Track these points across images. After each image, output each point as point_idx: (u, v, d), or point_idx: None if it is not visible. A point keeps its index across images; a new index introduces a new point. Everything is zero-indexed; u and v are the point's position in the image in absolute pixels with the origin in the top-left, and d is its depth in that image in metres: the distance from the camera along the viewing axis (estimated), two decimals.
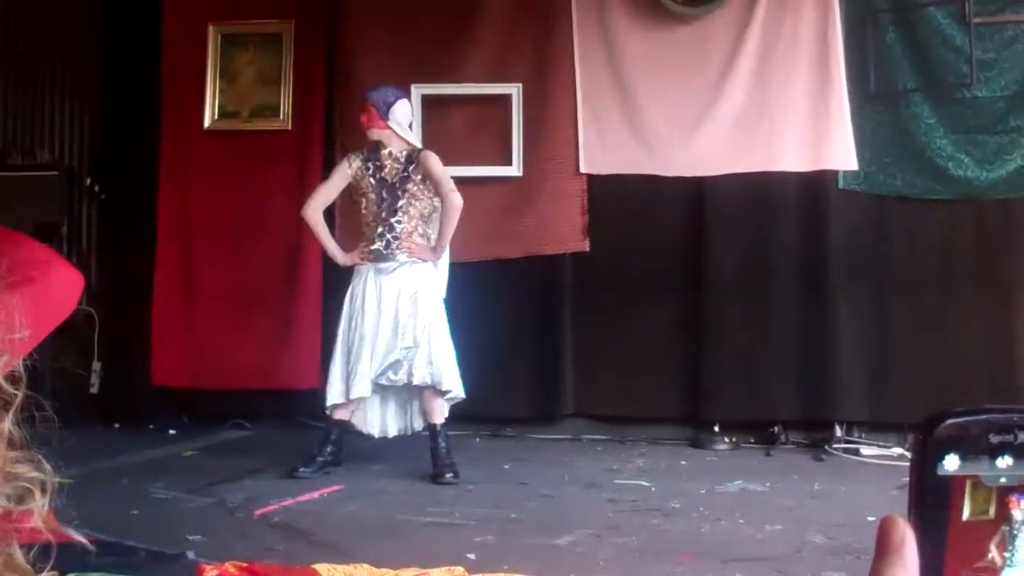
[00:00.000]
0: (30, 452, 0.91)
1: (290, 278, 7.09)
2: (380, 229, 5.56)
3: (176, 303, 7.10)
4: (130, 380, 7.20)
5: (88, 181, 7.60)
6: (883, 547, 0.64)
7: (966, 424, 0.61)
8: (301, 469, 5.43)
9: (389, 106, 5.62)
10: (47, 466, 0.91)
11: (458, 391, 5.53)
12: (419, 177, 5.57)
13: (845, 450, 6.32)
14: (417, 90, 6.80)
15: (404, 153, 5.62)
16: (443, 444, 5.45)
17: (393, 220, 5.55)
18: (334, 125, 7.15)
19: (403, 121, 5.67)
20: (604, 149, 6.78)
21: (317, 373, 6.95)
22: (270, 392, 6.97)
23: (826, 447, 6.34)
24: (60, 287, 1.74)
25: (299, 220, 7.09)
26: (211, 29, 7.25)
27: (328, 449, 5.54)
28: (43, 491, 0.90)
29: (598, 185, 6.78)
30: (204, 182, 7.17)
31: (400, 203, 5.56)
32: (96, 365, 7.33)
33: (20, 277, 1.72)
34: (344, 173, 5.70)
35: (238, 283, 7.06)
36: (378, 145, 5.63)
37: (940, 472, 0.62)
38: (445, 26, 6.93)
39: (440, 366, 5.46)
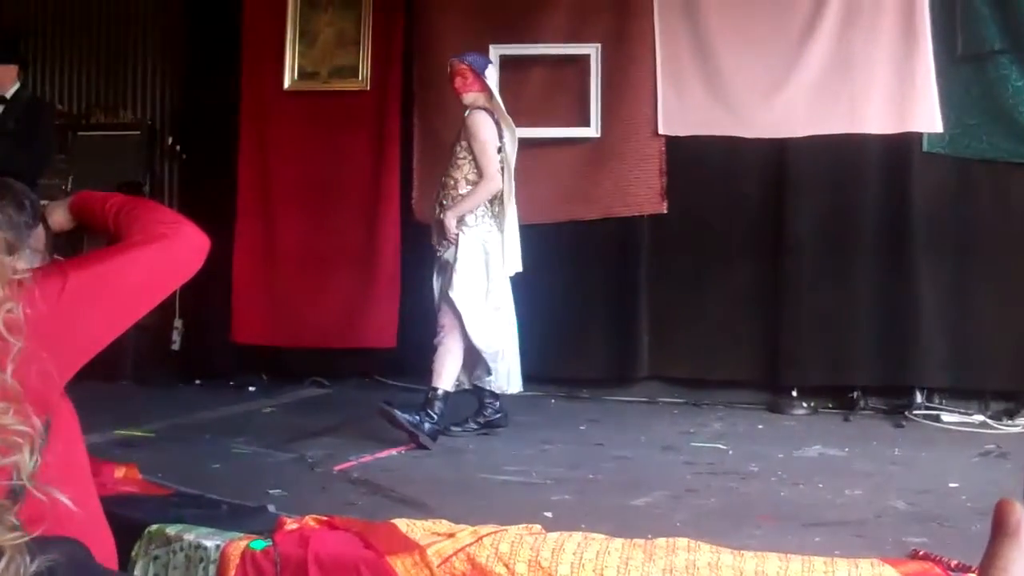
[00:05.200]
0: (22, 406, 0.89)
1: (369, 238, 7.14)
2: (443, 184, 5.57)
3: (256, 261, 7.20)
4: (211, 338, 7.33)
5: (170, 140, 7.72)
6: (999, 529, 0.64)
7: None
8: (468, 424, 5.56)
9: (482, 69, 5.60)
10: (36, 421, 0.90)
11: None
12: (466, 139, 5.53)
13: (925, 416, 6.22)
14: (496, 50, 6.78)
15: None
16: None
17: (445, 179, 5.57)
18: (412, 86, 7.16)
19: (494, 85, 5.64)
20: (683, 110, 6.71)
21: (395, 333, 7.02)
22: (348, 351, 7.05)
23: (906, 413, 6.25)
24: (188, 246, 1.79)
25: (377, 180, 7.16)
26: None
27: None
28: (29, 444, 0.88)
29: (677, 147, 6.71)
30: (283, 142, 7.24)
31: (451, 165, 5.55)
32: (177, 323, 7.46)
33: (152, 233, 1.76)
34: None
35: (317, 242, 7.13)
36: (469, 109, 5.59)
37: None
38: None
39: None
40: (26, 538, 0.83)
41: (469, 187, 5.49)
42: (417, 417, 5.23)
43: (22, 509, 0.90)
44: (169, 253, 1.76)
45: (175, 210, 1.93)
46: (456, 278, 5.43)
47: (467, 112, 5.58)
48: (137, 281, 1.73)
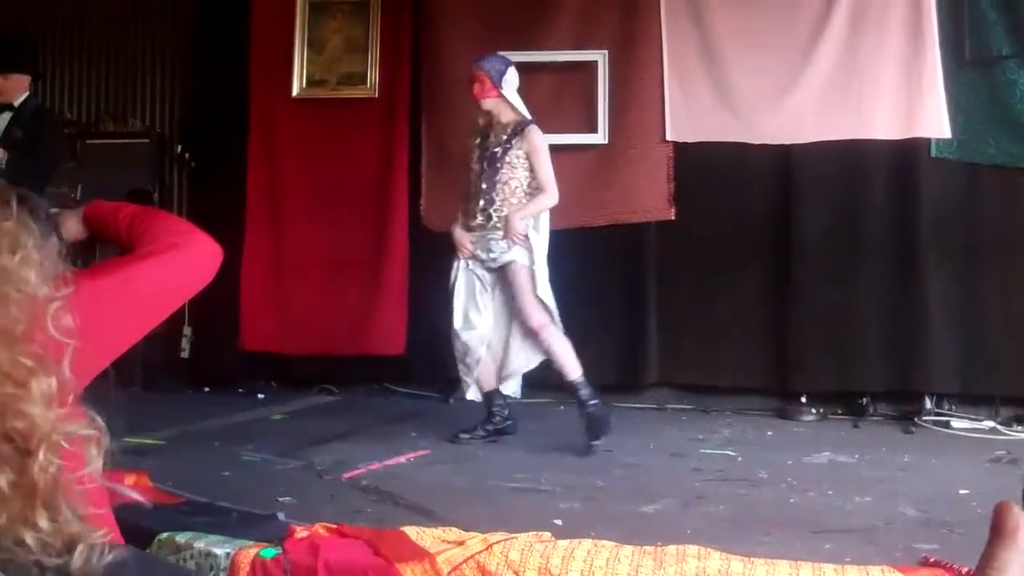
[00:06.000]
0: (83, 408, 0.91)
1: (377, 245, 7.16)
2: (477, 194, 5.53)
3: (265, 269, 7.22)
4: (220, 345, 7.34)
5: (179, 148, 7.73)
6: (998, 530, 0.65)
7: None
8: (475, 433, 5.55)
9: (501, 74, 5.58)
10: (100, 422, 0.91)
11: None
12: (522, 152, 5.53)
13: (935, 423, 6.22)
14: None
15: (512, 124, 5.57)
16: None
17: (490, 185, 5.51)
18: (420, 93, 7.17)
19: (513, 89, 5.63)
20: (691, 116, 6.71)
21: (403, 340, 7.03)
22: (357, 358, 7.06)
23: (915, 419, 6.24)
24: (201, 255, 1.79)
25: (385, 187, 7.16)
26: None
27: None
28: (97, 447, 0.90)
29: (684, 153, 6.72)
30: (292, 149, 7.26)
31: (496, 174, 5.51)
32: (187, 330, 7.48)
33: (164, 244, 1.77)
34: (468, 147, 5.69)
35: (326, 249, 7.14)
36: (489, 115, 5.60)
37: None
38: None
39: None
40: (109, 534, 0.86)
41: (527, 194, 5.50)
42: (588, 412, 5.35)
43: None
44: (181, 263, 1.76)
45: (185, 218, 1.94)
46: (539, 276, 5.46)
47: (485, 116, 5.57)
48: (149, 291, 1.73)
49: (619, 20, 6.85)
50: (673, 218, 6.73)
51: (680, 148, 6.73)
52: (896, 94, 6.43)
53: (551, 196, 5.52)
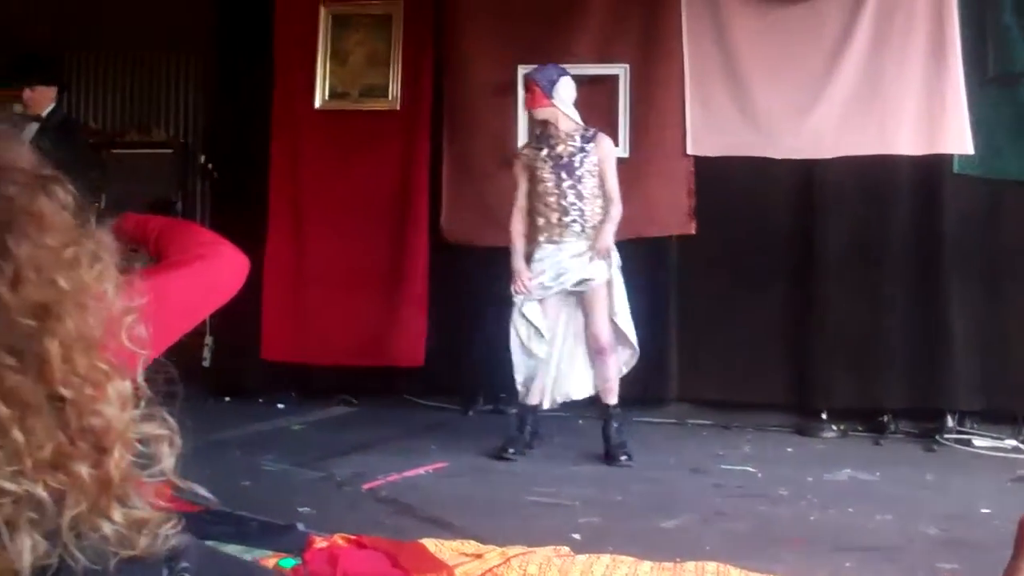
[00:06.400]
0: (156, 409, 0.97)
1: (397, 257, 7.16)
2: (560, 209, 5.51)
3: (286, 279, 7.22)
4: (241, 354, 7.36)
5: (202, 159, 7.78)
6: (1021, 544, 0.65)
7: None
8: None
9: (553, 84, 5.59)
10: (172, 423, 0.97)
11: None
12: (595, 159, 5.54)
13: (957, 441, 6.17)
14: (523, 71, 6.80)
15: (578, 132, 5.59)
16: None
17: (572, 198, 5.50)
18: (442, 105, 7.19)
19: (567, 99, 5.63)
20: (712, 131, 6.70)
21: (423, 351, 7.03)
22: (377, 369, 7.07)
23: (937, 437, 6.20)
24: (227, 266, 1.80)
25: (407, 199, 7.19)
26: (322, 10, 7.35)
27: None
28: (170, 447, 0.97)
29: (706, 168, 6.70)
30: (314, 161, 7.28)
31: (578, 183, 5.51)
32: (208, 339, 7.50)
33: (191, 255, 1.78)
34: (521, 167, 5.63)
35: (347, 260, 7.15)
36: (544, 125, 5.59)
37: None
38: (551, 6, 6.92)
39: None
40: (173, 521, 0.95)
41: (600, 205, 5.52)
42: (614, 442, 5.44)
43: None
44: (208, 274, 1.77)
45: (209, 228, 1.95)
46: (619, 302, 5.55)
47: (540, 125, 5.58)
48: (176, 302, 1.74)
49: (640, 35, 6.85)
50: (694, 232, 6.72)
51: (701, 163, 6.72)
52: (919, 110, 6.41)
53: (619, 206, 5.56)
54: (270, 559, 3.20)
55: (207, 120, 7.91)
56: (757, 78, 6.65)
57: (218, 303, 1.85)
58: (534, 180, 5.58)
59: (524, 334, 5.55)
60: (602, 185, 5.54)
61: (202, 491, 1.15)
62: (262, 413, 6.78)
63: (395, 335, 7.09)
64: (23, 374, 0.84)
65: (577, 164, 5.52)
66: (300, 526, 3.68)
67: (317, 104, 7.34)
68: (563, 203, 5.50)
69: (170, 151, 7.73)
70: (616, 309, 5.56)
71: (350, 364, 7.08)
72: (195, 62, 7.88)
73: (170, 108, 7.95)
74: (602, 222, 5.53)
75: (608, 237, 5.50)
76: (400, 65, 7.25)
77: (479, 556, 3.22)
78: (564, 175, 5.51)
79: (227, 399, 7.22)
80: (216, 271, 1.79)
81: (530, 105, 5.59)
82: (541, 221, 5.54)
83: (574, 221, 5.50)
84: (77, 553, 0.86)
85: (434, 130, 7.20)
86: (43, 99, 5.86)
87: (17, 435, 0.82)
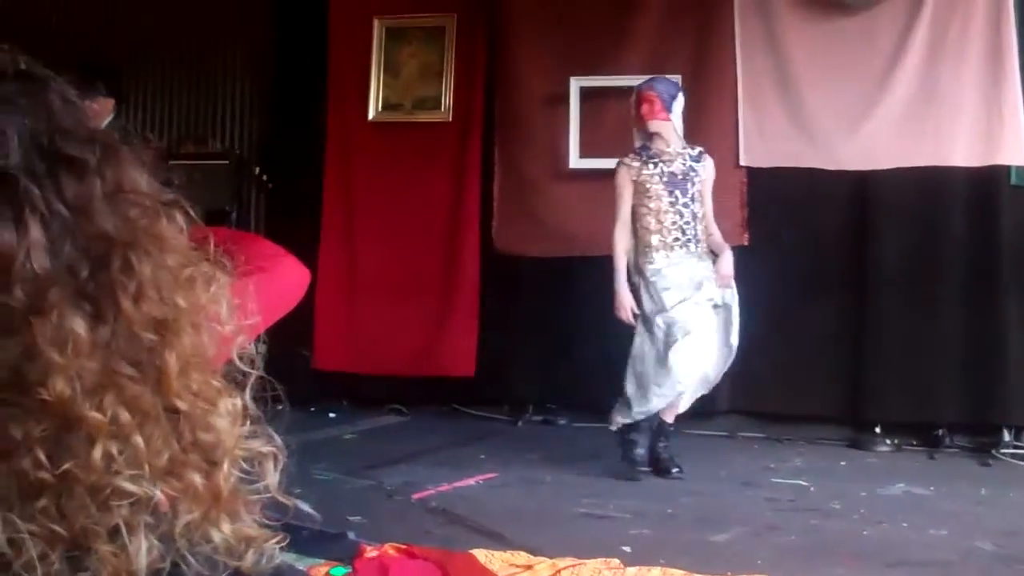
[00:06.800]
0: (263, 427, 1.02)
1: (448, 268, 7.20)
2: (674, 223, 5.45)
3: (338, 289, 7.28)
4: (293, 363, 7.42)
5: (257, 170, 7.86)
6: None
7: None
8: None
9: (673, 98, 5.54)
10: (278, 440, 1.03)
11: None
12: (706, 177, 5.51)
13: (1013, 455, 6.08)
14: (576, 82, 6.83)
15: (686, 150, 5.53)
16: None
17: (688, 214, 5.44)
18: (494, 117, 7.22)
19: (679, 115, 5.59)
20: (765, 141, 6.67)
21: (473, 361, 7.06)
22: (427, 379, 7.10)
23: (993, 452, 6.11)
24: (289, 278, 1.83)
25: (458, 210, 7.21)
26: (375, 23, 7.42)
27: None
28: (275, 464, 1.02)
29: (760, 179, 6.67)
30: (367, 172, 7.34)
31: (691, 202, 5.46)
32: (261, 347, 7.56)
33: (254, 267, 1.80)
34: (628, 178, 5.48)
35: (398, 271, 7.21)
36: (655, 138, 5.51)
37: None
38: (604, 17, 6.93)
39: None
40: (279, 540, 1.00)
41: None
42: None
43: None
44: (270, 285, 1.79)
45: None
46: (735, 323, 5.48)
47: (646, 137, 5.50)
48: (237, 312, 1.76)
49: (694, 46, 6.83)
50: (746, 244, 6.67)
51: (755, 174, 6.68)
52: (975, 121, 6.33)
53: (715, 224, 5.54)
54: (322, 567, 3.23)
55: (263, 132, 8.00)
56: (810, 89, 6.61)
57: (280, 313, 1.88)
58: (641, 194, 5.45)
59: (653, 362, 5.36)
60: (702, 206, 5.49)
61: (306, 507, 1.18)
62: (314, 422, 6.82)
63: (446, 345, 7.12)
64: (143, 384, 0.88)
65: (690, 184, 5.45)
66: (351, 535, 3.71)
67: (370, 116, 7.41)
68: (680, 223, 5.41)
69: (226, 162, 7.82)
70: (734, 337, 5.48)
71: (401, 374, 7.12)
72: (251, 74, 7.97)
73: (226, 120, 8.05)
74: (712, 246, 5.48)
75: (731, 265, 5.45)
76: (453, 77, 7.30)
77: (529, 567, 3.23)
78: (679, 194, 5.42)
79: (279, 407, 7.27)
80: (278, 283, 1.81)
81: (648, 116, 5.45)
82: (654, 239, 5.42)
83: (689, 241, 5.42)
84: (190, 558, 0.90)
85: (486, 142, 7.24)
86: (102, 112, 5.96)
87: (137, 441, 0.86)
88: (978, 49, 6.33)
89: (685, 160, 5.49)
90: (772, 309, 6.66)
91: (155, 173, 1.01)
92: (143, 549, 0.85)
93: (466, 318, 7.15)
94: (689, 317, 5.31)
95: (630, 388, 5.35)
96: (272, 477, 1.02)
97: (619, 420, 5.40)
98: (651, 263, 5.40)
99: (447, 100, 7.30)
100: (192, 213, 1.00)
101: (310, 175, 7.43)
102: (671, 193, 5.42)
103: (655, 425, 5.47)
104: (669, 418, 5.50)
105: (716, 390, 6.66)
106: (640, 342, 5.38)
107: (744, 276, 6.71)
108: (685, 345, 5.27)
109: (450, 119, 7.28)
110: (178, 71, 8.09)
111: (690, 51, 6.83)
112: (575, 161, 6.89)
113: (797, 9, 6.66)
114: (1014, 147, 6.22)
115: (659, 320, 5.33)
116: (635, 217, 5.48)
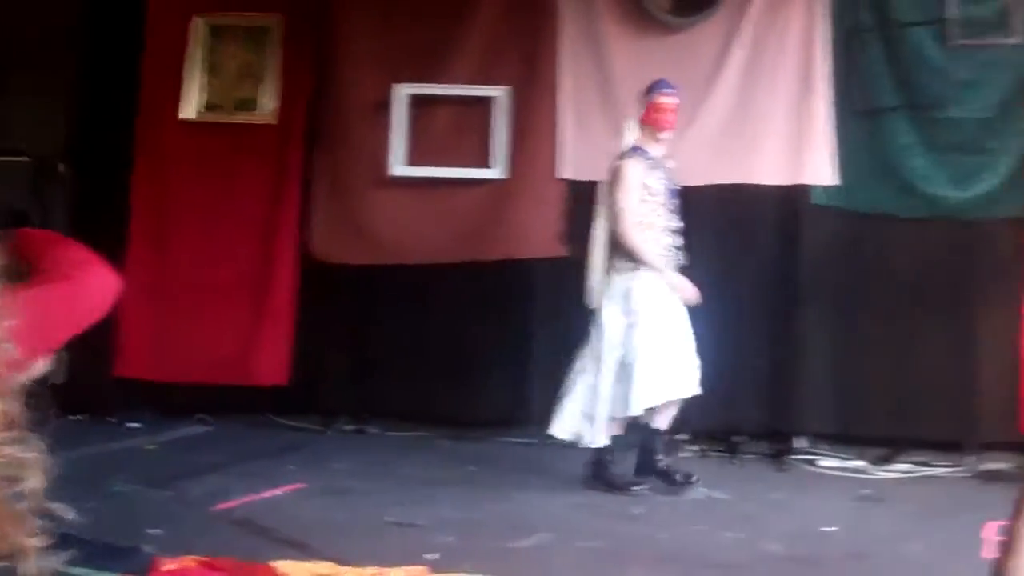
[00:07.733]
0: (23, 433, 0.97)
1: (264, 274, 7.01)
2: (672, 235, 5.48)
3: (145, 292, 6.96)
4: (93, 370, 7.11)
5: (60, 168, 7.52)
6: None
7: None
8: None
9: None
10: (41, 445, 0.98)
11: None
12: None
13: (806, 461, 6.33)
14: (403, 89, 6.79)
15: (667, 160, 5.60)
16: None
17: (679, 227, 5.50)
18: (317, 121, 7.09)
19: None
20: (586, 155, 6.70)
21: (286, 370, 6.91)
22: (238, 388, 6.91)
23: (788, 458, 6.34)
24: (96, 287, 1.72)
25: (276, 215, 7.04)
26: (197, 20, 7.19)
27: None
28: (37, 471, 0.98)
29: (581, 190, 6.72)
30: (182, 173, 7.11)
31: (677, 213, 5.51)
32: (62, 354, 7.24)
33: (58, 274, 1.69)
34: (638, 173, 5.43)
35: (210, 275, 6.97)
36: (657, 146, 5.54)
37: None
38: (433, 26, 6.90)
39: None
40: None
41: None
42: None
43: None
44: (74, 296, 1.69)
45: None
46: None
47: (657, 147, 5.52)
48: (37, 322, 1.66)
49: (519, 58, 6.87)
50: (565, 255, 6.66)
51: (576, 186, 6.71)
52: (786, 140, 6.52)
53: None
54: None
55: (68, 129, 7.65)
56: (632, 104, 6.73)
57: (83, 326, 1.78)
58: (647, 195, 5.45)
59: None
60: None
61: (69, 513, 1.14)
62: (114, 432, 6.56)
63: (259, 353, 6.94)
64: None
65: (677, 193, 5.55)
66: (146, 548, 3.60)
67: (187, 115, 7.17)
68: (679, 231, 5.50)
69: (24, 159, 7.45)
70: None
71: (210, 382, 6.91)
72: (57, 68, 7.60)
73: (27, 114, 7.66)
74: None
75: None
76: (278, 79, 7.13)
77: None
78: (673, 203, 5.51)
79: (79, 417, 6.98)
80: (83, 293, 1.71)
81: (671, 126, 5.52)
82: (668, 246, 5.47)
83: (683, 250, 5.51)
84: None
85: (308, 146, 7.09)
86: None
87: None
88: (791, 72, 6.53)
89: (671, 170, 5.59)
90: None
91: None
92: None
93: (280, 325, 6.99)
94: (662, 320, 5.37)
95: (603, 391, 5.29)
96: (36, 483, 0.97)
97: (604, 437, 5.31)
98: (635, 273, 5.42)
99: (270, 103, 7.12)
100: None
101: (120, 174, 7.15)
102: (672, 207, 5.52)
103: (647, 438, 5.44)
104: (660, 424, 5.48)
105: (524, 399, 6.72)
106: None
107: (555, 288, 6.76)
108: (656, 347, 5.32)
109: (273, 121, 7.11)
110: None
111: (516, 64, 6.87)
112: (397, 168, 6.85)
113: (621, 25, 6.77)
114: (821, 166, 6.45)
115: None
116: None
